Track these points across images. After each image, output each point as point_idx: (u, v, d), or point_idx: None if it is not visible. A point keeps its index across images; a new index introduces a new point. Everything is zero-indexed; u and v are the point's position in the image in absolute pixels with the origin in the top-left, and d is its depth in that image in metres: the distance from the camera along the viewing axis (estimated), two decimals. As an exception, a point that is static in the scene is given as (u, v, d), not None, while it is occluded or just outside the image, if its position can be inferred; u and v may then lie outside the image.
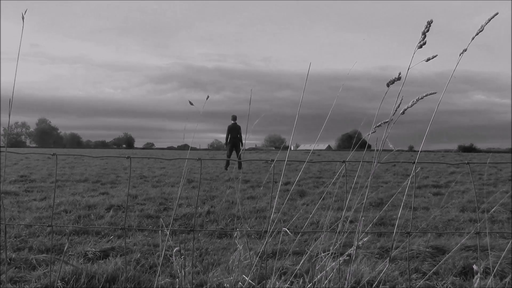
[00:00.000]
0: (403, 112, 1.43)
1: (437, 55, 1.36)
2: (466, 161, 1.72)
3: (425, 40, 1.37)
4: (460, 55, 1.35)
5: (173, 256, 1.69)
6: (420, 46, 1.38)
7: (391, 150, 1.54)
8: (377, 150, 1.51)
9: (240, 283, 1.78)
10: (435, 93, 1.37)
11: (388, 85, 1.42)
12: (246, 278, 1.70)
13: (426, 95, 1.37)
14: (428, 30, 1.37)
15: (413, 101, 1.40)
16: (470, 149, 60.48)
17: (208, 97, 1.75)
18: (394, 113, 1.45)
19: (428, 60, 1.35)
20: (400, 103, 1.42)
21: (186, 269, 1.76)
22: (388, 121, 1.47)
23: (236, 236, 1.75)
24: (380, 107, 1.47)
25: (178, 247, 1.71)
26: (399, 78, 1.40)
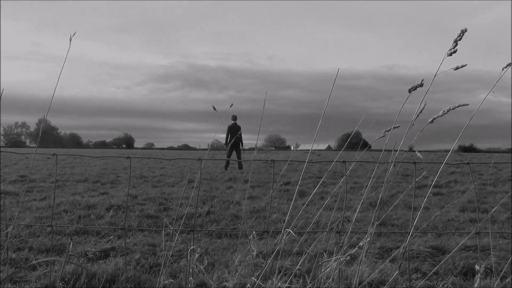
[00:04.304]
0: (432, 121, 1.40)
1: (466, 65, 1.33)
2: (466, 161, 1.72)
3: (456, 48, 1.34)
4: (503, 69, 1.33)
5: (189, 254, 1.69)
6: (450, 54, 1.34)
7: (399, 151, 1.54)
8: (395, 150, 1.50)
9: (248, 285, 1.78)
10: (467, 105, 1.34)
11: (410, 91, 1.40)
12: (254, 279, 1.70)
13: (458, 106, 1.34)
14: (461, 39, 1.32)
15: (443, 111, 1.37)
16: (470, 149, 60.42)
17: (232, 104, 1.72)
18: (416, 118, 1.42)
19: (456, 68, 1.32)
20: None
21: (196, 268, 1.76)
22: (398, 126, 1.46)
23: (251, 238, 1.75)
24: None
25: (192, 246, 1.70)
26: (421, 85, 1.37)
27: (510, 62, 1.33)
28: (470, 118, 1.41)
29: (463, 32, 1.33)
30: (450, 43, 1.34)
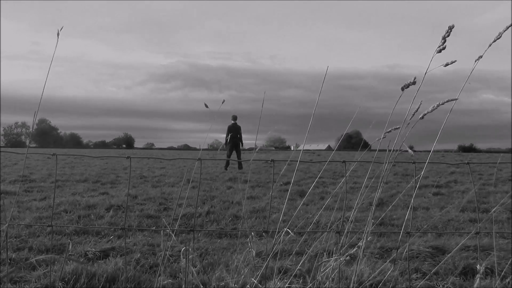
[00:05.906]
0: (423, 117, 1.40)
1: (456, 61, 1.33)
2: (466, 161, 1.72)
3: (444, 44, 1.33)
4: (475, 61, 1.33)
5: (181, 254, 1.69)
6: (440, 51, 1.34)
7: (394, 151, 1.53)
8: (389, 150, 1.49)
9: (248, 285, 1.78)
10: (457, 99, 1.34)
11: (402, 89, 1.40)
12: (254, 280, 1.70)
13: (447, 101, 1.34)
14: (448, 35, 1.33)
15: (433, 107, 1.37)
16: (470, 149, 60.41)
17: (224, 101, 1.73)
18: (412, 117, 1.42)
19: (446, 65, 1.32)
20: (419, 107, 1.39)
21: (195, 269, 1.76)
22: (399, 127, 1.45)
23: (249, 240, 1.74)
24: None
25: (185, 246, 1.70)
26: (414, 83, 1.37)
27: (481, 55, 1.33)
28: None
29: (451, 28, 1.34)
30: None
